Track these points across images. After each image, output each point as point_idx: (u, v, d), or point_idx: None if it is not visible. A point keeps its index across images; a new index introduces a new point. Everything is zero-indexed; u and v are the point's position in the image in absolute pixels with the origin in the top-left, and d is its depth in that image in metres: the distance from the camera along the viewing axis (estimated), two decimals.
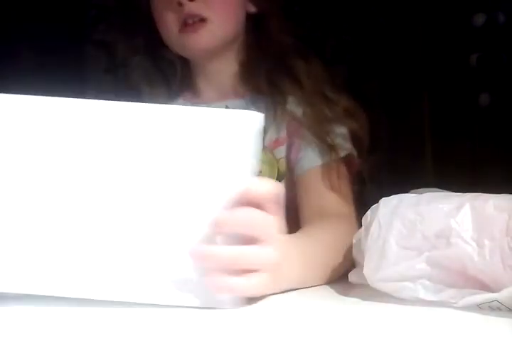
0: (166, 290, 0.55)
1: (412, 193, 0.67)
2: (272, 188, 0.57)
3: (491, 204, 0.59)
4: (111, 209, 0.55)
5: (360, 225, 0.67)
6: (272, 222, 0.57)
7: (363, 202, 0.72)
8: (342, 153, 0.91)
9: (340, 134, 0.92)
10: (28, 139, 0.55)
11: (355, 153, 0.92)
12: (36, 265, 0.55)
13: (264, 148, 0.91)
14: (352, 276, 0.69)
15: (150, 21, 0.95)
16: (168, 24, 0.92)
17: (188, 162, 0.54)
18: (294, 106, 0.93)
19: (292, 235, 0.69)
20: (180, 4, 0.89)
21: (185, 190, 0.54)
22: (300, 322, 0.54)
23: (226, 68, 0.96)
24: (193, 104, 0.97)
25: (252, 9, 0.96)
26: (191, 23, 0.90)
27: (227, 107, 0.94)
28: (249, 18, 0.96)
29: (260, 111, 0.53)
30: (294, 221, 0.86)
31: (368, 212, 0.68)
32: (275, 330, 0.51)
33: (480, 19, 1.13)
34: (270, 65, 0.95)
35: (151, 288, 0.56)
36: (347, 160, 0.92)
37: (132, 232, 0.55)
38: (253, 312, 0.55)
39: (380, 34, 1.14)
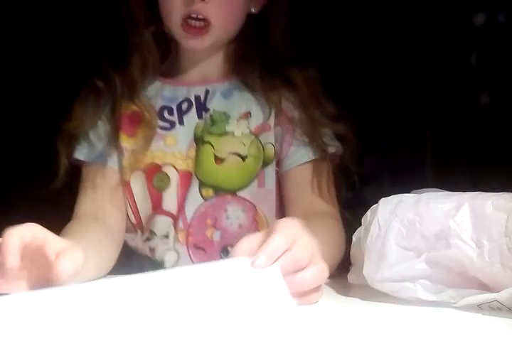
0: None
1: (412, 193, 0.67)
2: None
3: (490, 204, 0.59)
4: None
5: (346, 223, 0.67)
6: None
7: (363, 202, 0.72)
8: (331, 150, 0.92)
9: (328, 133, 0.93)
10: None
11: (340, 150, 0.93)
12: None
13: (250, 133, 0.92)
14: (351, 276, 0.69)
15: None
16: (173, 12, 0.90)
17: (231, 312, 0.54)
18: (290, 107, 0.94)
19: None
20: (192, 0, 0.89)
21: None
22: (300, 321, 0.54)
23: (215, 53, 0.96)
24: (170, 87, 0.96)
25: (254, 10, 0.96)
26: (196, 26, 0.89)
27: (207, 91, 0.94)
28: (251, 16, 0.96)
29: (246, 98, 0.54)
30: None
31: (368, 212, 0.68)
32: (275, 330, 0.51)
33: (480, 19, 1.14)
34: (265, 64, 0.95)
35: None
36: (331, 158, 0.93)
37: None
38: None
39: (380, 34, 1.14)
